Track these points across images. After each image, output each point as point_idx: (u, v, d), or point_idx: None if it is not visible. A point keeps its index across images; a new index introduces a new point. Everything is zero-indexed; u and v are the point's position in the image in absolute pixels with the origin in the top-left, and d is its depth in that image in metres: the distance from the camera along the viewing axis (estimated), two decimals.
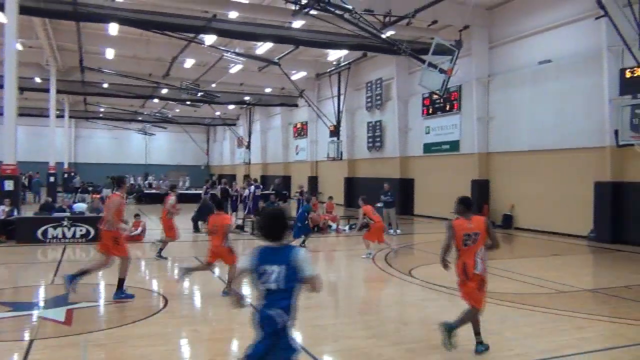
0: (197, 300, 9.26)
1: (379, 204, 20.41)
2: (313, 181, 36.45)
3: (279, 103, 38.64)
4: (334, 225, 19.03)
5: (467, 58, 20.91)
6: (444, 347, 6.03)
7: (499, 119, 20.72)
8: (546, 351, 6.23)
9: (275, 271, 3.91)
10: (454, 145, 23.14)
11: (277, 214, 4.19)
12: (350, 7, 14.42)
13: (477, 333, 6.38)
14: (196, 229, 18.21)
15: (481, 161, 21.24)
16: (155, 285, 10.37)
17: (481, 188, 20.90)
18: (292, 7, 15.81)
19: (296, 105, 37.58)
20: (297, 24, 20.02)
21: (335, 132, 29.23)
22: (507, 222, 19.47)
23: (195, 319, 7.72)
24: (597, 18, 14.19)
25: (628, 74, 12.46)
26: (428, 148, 24.96)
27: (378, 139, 28.79)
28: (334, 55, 28.39)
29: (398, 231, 18.47)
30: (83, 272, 8.41)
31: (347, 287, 10.84)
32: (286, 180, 41.20)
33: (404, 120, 26.57)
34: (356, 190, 31.23)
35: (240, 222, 19.21)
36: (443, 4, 18.40)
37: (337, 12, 14.53)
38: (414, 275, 11.05)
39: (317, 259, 14.83)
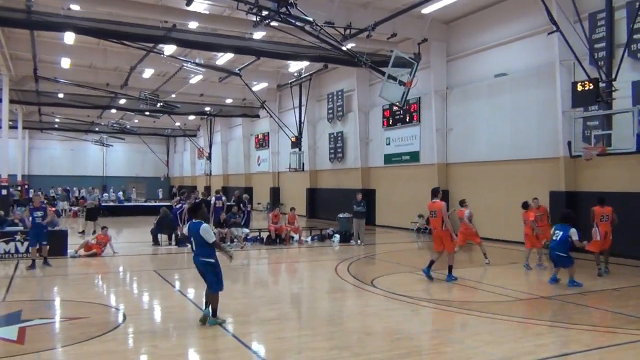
0: (157, 315, 9.05)
1: (340, 215, 20.56)
2: (275, 192, 36.33)
3: (240, 114, 38.41)
4: (296, 237, 18.97)
5: (426, 70, 21.30)
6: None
7: (457, 130, 21.15)
8: (505, 358, 6.33)
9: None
10: (414, 156, 23.47)
11: (196, 205, 8.35)
12: (311, 19, 14.49)
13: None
14: (155, 241, 17.85)
15: (440, 171, 21.61)
16: (113, 301, 10.09)
17: (441, 198, 21.15)
18: (253, 18, 15.78)
19: (257, 116, 37.46)
20: (258, 35, 20.01)
21: (297, 143, 29.25)
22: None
23: (155, 335, 7.54)
24: (549, 33, 14.66)
25: (579, 87, 12.88)
26: (389, 159, 25.24)
27: (340, 150, 28.96)
28: (295, 66, 28.48)
29: (359, 241, 18.55)
30: None
31: (309, 298, 10.79)
32: (248, 192, 40.90)
33: (365, 132, 26.82)
34: (318, 201, 31.32)
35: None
36: (402, 18, 18.75)
37: (298, 24, 14.57)
38: (377, 285, 11.10)
39: (279, 271, 14.76)
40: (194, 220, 8.00)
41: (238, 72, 24.34)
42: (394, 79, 14.53)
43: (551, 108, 16.72)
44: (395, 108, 23.06)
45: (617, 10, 14.35)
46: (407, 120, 23.74)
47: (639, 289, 10.78)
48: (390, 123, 24.93)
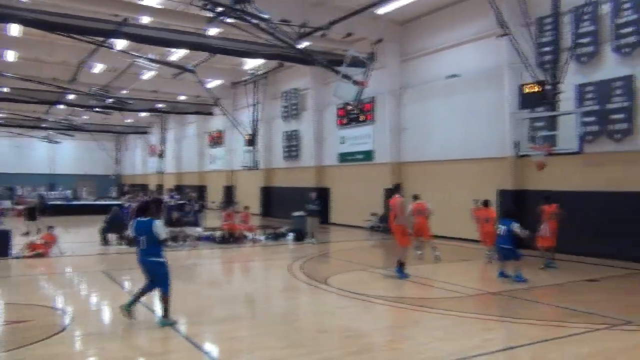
0: (106, 317, 8.81)
1: (294, 214, 20.55)
2: (229, 191, 35.99)
3: (193, 111, 37.87)
4: (250, 235, 18.84)
5: (381, 70, 21.52)
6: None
7: (410, 129, 21.47)
8: (455, 353, 6.48)
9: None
10: (368, 155, 23.70)
11: (147, 203, 8.42)
12: (266, 16, 14.42)
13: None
14: (104, 241, 17.38)
15: (394, 170, 21.90)
16: (59, 303, 9.76)
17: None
18: (208, 14, 15.58)
19: (212, 114, 37.02)
20: (213, 31, 19.75)
21: (251, 141, 29.05)
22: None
23: (103, 337, 7.34)
24: (498, 37, 15.08)
25: (526, 90, 13.31)
26: (343, 157, 25.40)
27: (294, 149, 28.94)
28: (251, 64, 28.27)
29: (313, 240, 18.60)
30: None
31: (263, 297, 10.75)
32: (201, 190, 40.40)
33: (319, 130, 26.90)
34: (273, 199, 31.22)
35: None
36: (357, 18, 18.87)
37: (253, 21, 14.48)
38: (330, 283, 11.15)
39: (232, 270, 14.63)
40: (143, 218, 7.83)
41: (192, 68, 23.95)
42: (349, 78, 14.63)
43: (500, 109, 17.21)
44: (349, 107, 23.23)
45: (562, 16, 14.89)
46: (362, 119, 23.94)
47: (581, 284, 11.21)
48: (345, 122, 25.09)
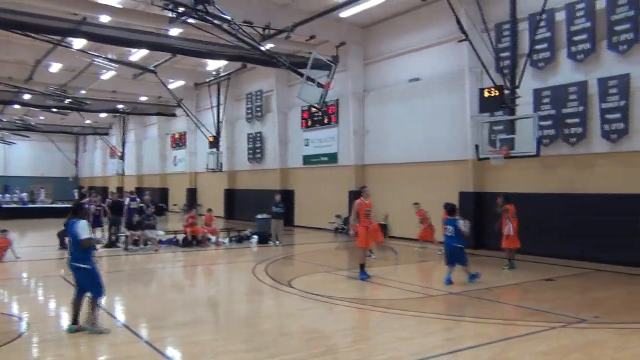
0: (65, 323, 8.57)
1: (258, 216, 20.47)
2: (192, 193, 35.57)
3: (155, 112, 37.18)
4: (213, 238, 18.66)
5: (344, 73, 21.67)
6: None
7: (374, 132, 21.67)
8: (416, 353, 6.57)
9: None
10: (332, 157, 23.80)
11: (79, 205, 8.62)
12: (229, 17, 14.30)
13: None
14: (62, 245, 16.91)
15: (357, 173, 22.05)
16: (15, 309, 9.46)
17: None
18: (169, 14, 15.36)
19: (174, 115, 36.47)
20: (174, 32, 19.50)
21: (214, 143, 28.73)
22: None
23: (61, 343, 7.15)
24: (459, 41, 15.35)
25: (486, 94, 13.58)
26: (307, 160, 25.43)
27: (258, 151, 28.82)
28: (213, 65, 28.02)
29: (277, 242, 18.56)
30: None
31: (226, 300, 10.67)
32: (163, 193, 39.82)
33: (284, 132, 26.87)
34: (236, 202, 31.00)
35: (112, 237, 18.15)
36: (320, 21, 18.95)
37: (216, 22, 14.35)
38: (294, 285, 11.15)
39: (195, 274, 14.46)
40: (72, 220, 7.61)
41: (153, 69, 23.57)
42: (313, 80, 14.65)
43: (461, 113, 17.54)
44: (313, 109, 23.26)
45: (520, 22, 15.25)
46: (326, 121, 24.04)
47: (539, 284, 11.52)
48: (309, 124, 25.14)
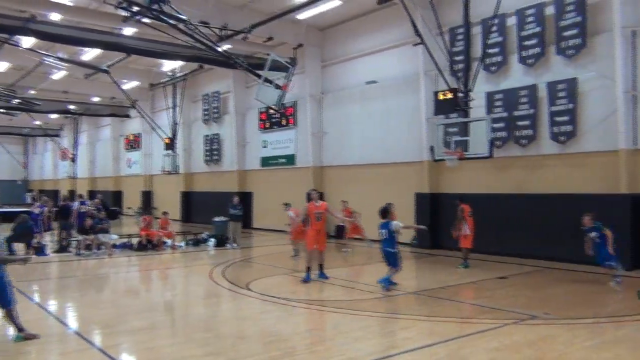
0: (12, 331, 8.24)
1: (216, 219, 20.25)
2: (147, 196, 34.88)
3: (108, 113, 36.34)
4: (169, 242, 18.33)
5: (302, 75, 21.69)
6: None
7: (331, 134, 21.77)
8: (374, 353, 6.62)
9: None
10: (290, 159, 23.78)
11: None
12: (185, 17, 14.12)
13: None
14: (10, 251, 16.25)
15: (316, 174, 22.10)
16: None
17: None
18: (123, 13, 15.04)
19: (128, 116, 35.75)
20: (128, 31, 19.11)
21: (170, 144, 28.30)
22: (340, 232, 20.41)
23: (8, 353, 6.85)
24: (415, 45, 15.60)
25: (441, 96, 13.85)
26: (265, 162, 25.33)
27: (216, 153, 28.53)
28: (169, 65, 27.58)
29: (235, 245, 18.40)
30: None
31: (183, 305, 10.49)
32: (117, 195, 38.90)
33: (241, 134, 26.68)
34: (193, 204, 30.57)
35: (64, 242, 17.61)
36: (278, 22, 18.91)
37: (171, 22, 14.14)
38: (252, 288, 11.07)
39: (150, 278, 14.18)
40: None
41: (106, 69, 23.04)
42: (270, 82, 14.62)
43: (417, 115, 17.82)
44: (271, 111, 23.21)
45: (473, 27, 15.63)
46: (284, 123, 24.01)
47: (492, 282, 11.80)
48: (267, 126, 25.06)
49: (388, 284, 10.60)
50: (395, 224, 10.66)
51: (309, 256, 11.88)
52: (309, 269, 11.71)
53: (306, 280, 11.55)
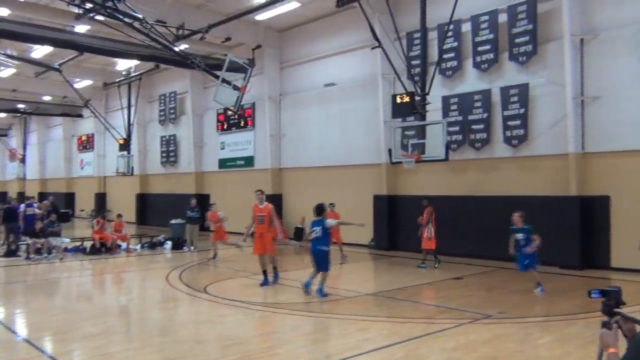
0: None
1: (172, 221, 19.92)
2: (101, 198, 33.98)
3: (60, 113, 35.22)
4: (123, 245, 17.91)
5: (260, 76, 21.58)
6: None
7: (290, 136, 21.74)
8: (333, 354, 6.65)
9: None
10: (249, 161, 23.62)
11: None
12: (140, 16, 13.84)
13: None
14: None
15: (274, 176, 22.02)
16: None
17: (275, 202, 21.53)
18: (75, 10, 14.64)
19: (81, 116, 34.76)
20: (81, 28, 18.58)
21: (125, 145, 27.62)
22: (299, 234, 20.40)
23: None
24: (372, 48, 15.73)
25: (398, 100, 14.00)
26: (223, 163, 25.08)
27: (172, 154, 28.05)
28: (124, 64, 26.96)
29: (192, 248, 18.14)
30: None
31: (138, 309, 10.27)
32: (69, 197, 37.75)
33: (199, 135, 26.34)
34: (149, 207, 29.96)
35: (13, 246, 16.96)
36: (236, 23, 18.77)
37: (126, 20, 13.83)
38: (209, 291, 10.94)
39: (104, 282, 13.82)
40: None
41: (58, 67, 22.35)
42: (228, 83, 14.47)
43: (375, 118, 17.99)
44: (229, 112, 23.00)
45: (430, 32, 15.90)
46: (242, 125, 23.83)
47: (448, 282, 12.03)
48: (225, 127, 24.81)
49: (322, 294, 10.06)
50: (330, 221, 10.45)
51: (260, 260, 11.68)
52: (264, 273, 11.59)
53: (264, 283, 11.47)
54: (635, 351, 2.41)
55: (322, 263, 10.22)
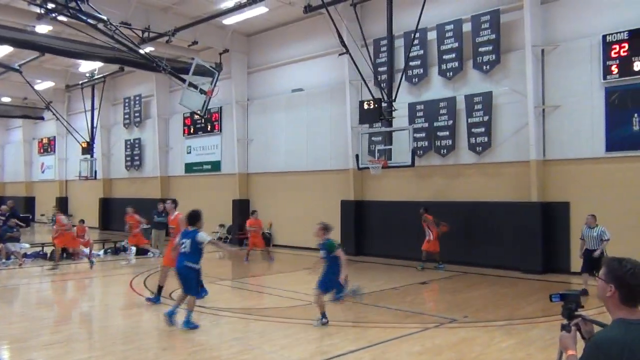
0: None
1: (145, 226, 19.56)
2: (62, 202, 33.13)
3: (20, 115, 34.16)
4: (86, 251, 17.48)
5: (228, 80, 21.46)
6: None
7: (257, 140, 21.66)
8: (300, 359, 6.64)
9: None
10: (215, 166, 23.43)
11: None
12: (104, 17, 13.60)
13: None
14: None
15: (241, 181, 21.89)
16: None
17: (242, 207, 21.50)
18: (37, 10, 14.30)
19: (42, 118, 33.74)
20: (43, 29, 18.13)
21: (88, 149, 27.04)
22: (266, 239, 20.32)
23: None
24: (340, 54, 15.86)
25: (365, 106, 14.17)
26: (190, 168, 24.81)
27: (137, 158, 27.60)
28: (87, 66, 26.41)
29: (158, 253, 17.85)
30: None
31: (101, 316, 10.04)
32: (29, 201, 36.70)
33: (164, 139, 25.99)
34: (113, 211, 29.36)
35: None
36: (203, 27, 18.65)
37: (90, 21, 13.57)
38: (175, 298, 10.76)
39: (66, 289, 13.48)
40: None
41: (18, 68, 21.75)
42: (195, 87, 14.33)
43: (342, 123, 18.10)
44: (196, 117, 22.79)
45: (396, 39, 16.13)
46: (209, 129, 23.63)
47: (413, 287, 12.17)
48: (192, 131, 24.56)
49: (190, 326, 8.12)
50: (203, 235, 8.39)
51: (162, 272, 10.43)
52: (160, 289, 10.27)
53: (155, 301, 10.13)
54: (590, 352, 2.50)
55: (189, 284, 8.32)
